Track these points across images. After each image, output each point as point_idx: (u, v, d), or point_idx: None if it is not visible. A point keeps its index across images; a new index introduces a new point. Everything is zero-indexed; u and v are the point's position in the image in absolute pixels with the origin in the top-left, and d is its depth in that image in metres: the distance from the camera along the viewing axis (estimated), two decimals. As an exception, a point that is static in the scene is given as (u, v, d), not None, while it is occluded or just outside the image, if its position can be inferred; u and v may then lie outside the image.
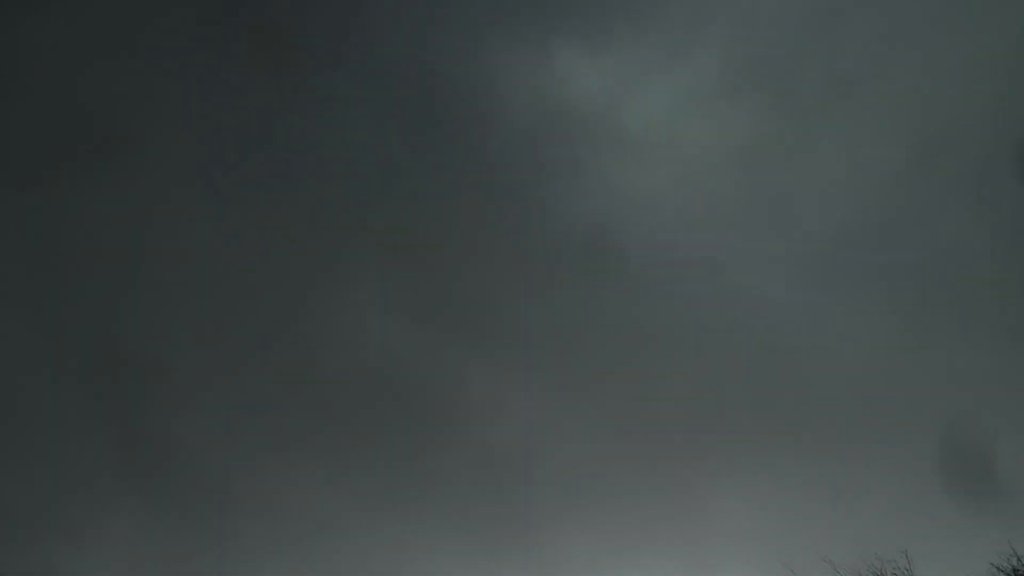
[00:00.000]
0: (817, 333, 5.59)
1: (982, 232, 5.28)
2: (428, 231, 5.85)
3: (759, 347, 5.69)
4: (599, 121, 6.38)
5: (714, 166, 6.08)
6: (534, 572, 5.29)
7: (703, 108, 6.09)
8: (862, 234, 5.79)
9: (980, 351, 4.90)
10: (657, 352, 5.72)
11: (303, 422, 5.64)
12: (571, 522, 5.40)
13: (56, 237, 5.50)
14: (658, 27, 6.29)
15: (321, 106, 5.46)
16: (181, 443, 5.55)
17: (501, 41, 6.02)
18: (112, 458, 5.45)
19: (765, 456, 5.31)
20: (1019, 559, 3.54)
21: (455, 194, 6.07)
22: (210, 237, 5.42)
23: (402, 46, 5.70)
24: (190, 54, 5.04)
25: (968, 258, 5.48)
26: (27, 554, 4.96)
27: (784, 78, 5.96)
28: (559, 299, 5.95)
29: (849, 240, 5.83)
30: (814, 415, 5.40)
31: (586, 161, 6.40)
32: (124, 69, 4.89)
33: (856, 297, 5.65)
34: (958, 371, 4.89)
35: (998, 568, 3.54)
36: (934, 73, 5.53)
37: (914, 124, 5.71)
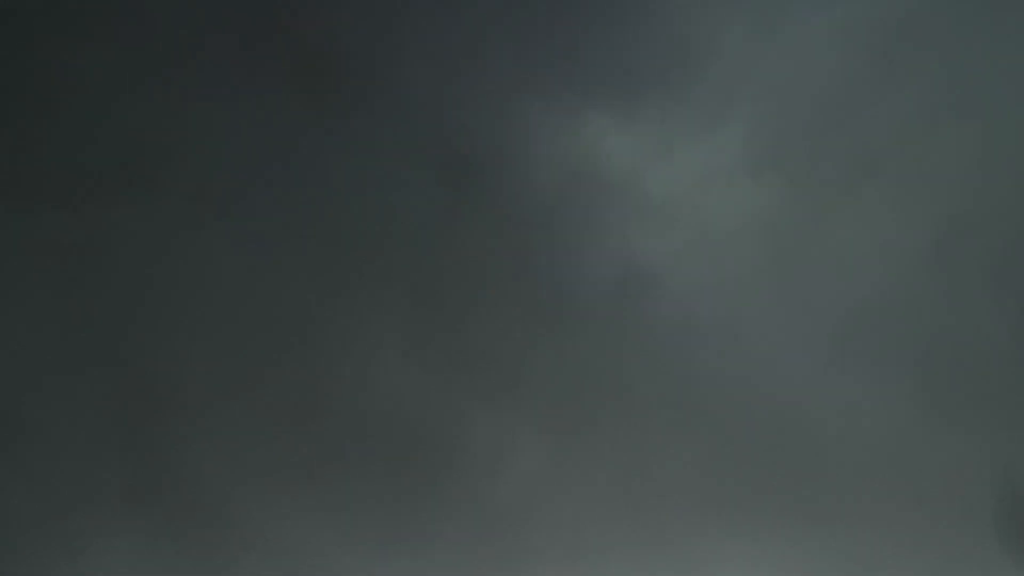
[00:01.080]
0: (832, 409, 5.50)
1: (1005, 316, 5.23)
2: (448, 280, 5.96)
3: (773, 419, 5.60)
4: (624, 187, 6.49)
5: (736, 237, 6.09)
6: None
7: (727, 180, 6.15)
8: (882, 313, 5.75)
9: (996, 436, 4.80)
10: (670, 416, 5.66)
11: (308, 457, 5.66)
12: (569, 581, 5.29)
13: (66, 259, 5.70)
14: (687, 100, 6.45)
15: (349, 145, 5.66)
16: (186, 469, 5.59)
17: (535, 102, 6.22)
18: (116, 479, 5.49)
19: (773, 529, 5.18)
20: None
21: (477, 246, 6.19)
22: (225, 265, 5.57)
23: (436, 96, 5.91)
24: (224, 79, 5.28)
25: (989, 342, 5.41)
26: (24, 567, 4.99)
27: (808, 154, 6.02)
28: (574, 356, 5.95)
29: (868, 319, 5.78)
30: (826, 492, 5.27)
31: (610, 225, 6.49)
32: (157, 92, 5.15)
33: (873, 376, 5.57)
34: (975, 454, 4.80)
35: None
36: (959, 156, 5.57)
37: (938, 206, 5.72)
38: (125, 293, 5.56)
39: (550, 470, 6.21)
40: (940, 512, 3.75)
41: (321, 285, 6.01)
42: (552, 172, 6.57)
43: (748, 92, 6.48)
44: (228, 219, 5.88)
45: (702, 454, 5.50)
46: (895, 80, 5.76)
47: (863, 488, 5.08)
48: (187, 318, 5.65)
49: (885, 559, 4.19)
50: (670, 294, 5.95)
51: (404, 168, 6.19)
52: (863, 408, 5.20)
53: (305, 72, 5.69)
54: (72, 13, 4.92)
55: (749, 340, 5.82)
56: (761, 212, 6.01)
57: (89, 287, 5.53)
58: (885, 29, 5.54)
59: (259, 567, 5.45)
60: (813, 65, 5.99)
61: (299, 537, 5.47)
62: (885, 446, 5.01)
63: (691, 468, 5.51)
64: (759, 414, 5.44)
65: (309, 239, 6.07)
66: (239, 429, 5.57)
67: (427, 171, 6.51)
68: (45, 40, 5.19)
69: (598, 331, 6.52)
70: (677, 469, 5.54)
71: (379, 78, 5.96)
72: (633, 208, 6.46)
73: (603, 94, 6.74)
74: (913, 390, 5.07)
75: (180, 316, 5.69)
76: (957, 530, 3.99)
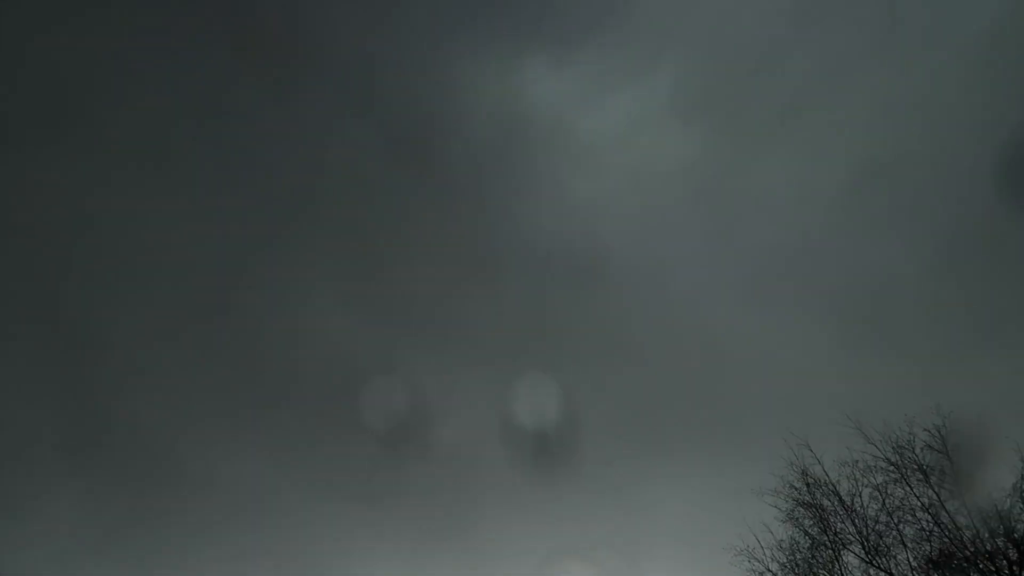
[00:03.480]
0: (753, 341, 5.87)
1: (915, 253, 5.63)
2: (387, 231, 5.99)
3: (698, 352, 5.96)
4: (557, 133, 6.66)
5: (663, 179, 6.38)
6: (476, 565, 5.38)
7: (656, 125, 6.41)
8: (800, 252, 6.13)
9: (903, 366, 5.21)
10: (601, 352, 5.95)
11: (249, 402, 5.68)
12: (515, 516, 5.54)
13: (9, 218, 5.49)
14: (618, 46, 6.62)
15: (280, 99, 5.60)
16: (124, 418, 5.54)
17: (465, 51, 6.27)
18: (53, 433, 5.40)
19: (700, 454, 5.56)
20: None
21: (417, 196, 6.24)
22: (160, 214, 5.48)
23: (362, 50, 5.90)
24: (157, 27, 5.16)
25: (900, 278, 5.83)
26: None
27: (732, 101, 6.31)
28: (509, 299, 6.14)
29: (787, 257, 6.16)
30: (746, 417, 5.66)
31: (544, 169, 6.66)
32: (88, 38, 4.98)
33: (791, 310, 5.96)
34: (879, 381, 5.19)
35: None
36: (874, 101, 5.93)
37: (854, 150, 6.09)
38: (54, 243, 5.32)
39: (490, 407, 6.27)
40: (847, 435, 3.99)
41: (255, 234, 5.85)
42: (485, 121, 6.51)
43: (677, 39, 6.50)
44: (160, 168, 5.64)
45: (631, 387, 5.74)
46: (816, 29, 5.90)
47: (775, 410, 5.37)
48: (122, 266, 5.48)
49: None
50: (601, 234, 6.07)
51: (336, 121, 6.04)
52: (781, 340, 5.51)
53: (237, 28, 5.47)
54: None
55: (676, 279, 6.03)
56: (688, 154, 6.17)
57: (18, 237, 5.26)
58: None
59: (201, 509, 5.40)
60: (739, 13, 6.08)
61: (239, 478, 5.43)
62: (796, 374, 5.34)
63: (622, 399, 5.74)
64: (685, 348, 5.69)
65: (243, 190, 5.89)
66: (177, 377, 5.47)
67: (359, 125, 6.36)
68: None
69: (532, 276, 6.55)
70: (609, 402, 5.76)
71: (304, 32, 5.77)
72: (566, 152, 6.48)
73: (535, 42, 6.64)
74: (828, 323, 5.40)
75: (114, 265, 5.50)
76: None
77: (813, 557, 3.81)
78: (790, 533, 3.96)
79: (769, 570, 3.91)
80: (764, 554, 3.95)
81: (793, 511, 3.90)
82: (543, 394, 6.07)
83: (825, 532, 3.80)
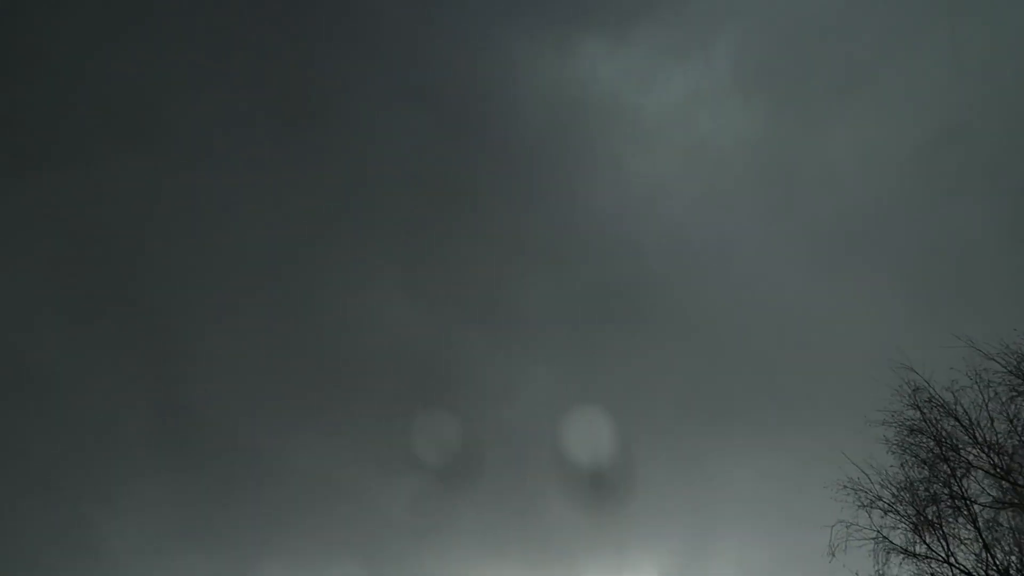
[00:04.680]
0: (824, 316, 5.72)
1: (992, 214, 5.40)
2: (447, 218, 6.07)
3: (768, 327, 5.84)
4: (616, 113, 6.63)
5: (726, 156, 6.28)
6: (545, 547, 5.42)
7: (717, 101, 6.31)
8: (869, 222, 5.95)
9: (984, 332, 4.99)
10: (670, 332, 5.89)
11: (324, 395, 5.86)
12: (583, 493, 5.56)
13: (84, 220, 5.81)
14: (674, 23, 6.54)
15: (346, 92, 5.75)
16: (209, 414, 5.79)
17: (523, 34, 6.30)
18: (144, 427, 5.69)
19: (770, 429, 5.47)
20: None
21: (475, 182, 6.30)
22: (238, 218, 5.70)
23: (424, 39, 6.00)
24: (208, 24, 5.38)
25: (977, 241, 5.59)
26: (66, 514, 5.20)
27: (795, 73, 6.16)
28: (573, 282, 6.14)
29: (856, 227, 5.98)
30: (818, 391, 5.53)
31: (603, 151, 6.63)
32: (141, 52, 5.26)
33: (862, 282, 5.78)
34: (959, 350, 5.00)
35: None
36: (942, 67, 5.71)
37: (923, 116, 5.87)
38: (127, 242, 5.57)
39: (556, 392, 6.29)
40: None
41: (330, 235, 6.00)
42: (543, 102, 6.52)
43: (734, 11, 6.40)
44: (222, 164, 5.84)
45: (700, 364, 5.67)
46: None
47: (847, 385, 5.22)
48: (203, 273, 5.70)
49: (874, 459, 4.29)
50: (664, 215, 6.03)
51: (387, 110, 6.14)
52: (853, 312, 5.35)
53: (294, 10, 5.61)
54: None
55: (741, 254, 5.93)
56: (750, 129, 6.06)
57: (92, 240, 5.54)
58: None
59: (283, 495, 5.57)
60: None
61: (319, 466, 5.58)
62: (870, 348, 5.17)
63: (690, 377, 5.68)
64: (753, 324, 5.59)
65: (317, 190, 6.04)
66: (258, 375, 5.66)
67: (411, 112, 6.45)
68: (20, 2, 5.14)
69: (596, 257, 6.54)
70: (677, 380, 5.71)
71: (356, 17, 5.89)
72: (625, 133, 6.45)
73: (591, 21, 6.62)
74: (902, 291, 5.22)
75: (197, 271, 5.73)
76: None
77: (933, 476, 3.58)
78: (901, 462, 3.71)
79: (880, 498, 3.68)
80: (873, 481, 3.71)
81: (903, 441, 3.68)
82: (610, 381, 6.09)
83: (944, 458, 3.56)
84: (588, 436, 5.64)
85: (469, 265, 6.46)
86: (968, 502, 3.55)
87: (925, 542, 3.61)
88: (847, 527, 3.71)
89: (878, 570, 3.70)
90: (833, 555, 3.70)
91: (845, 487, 3.74)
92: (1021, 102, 5.45)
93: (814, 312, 5.86)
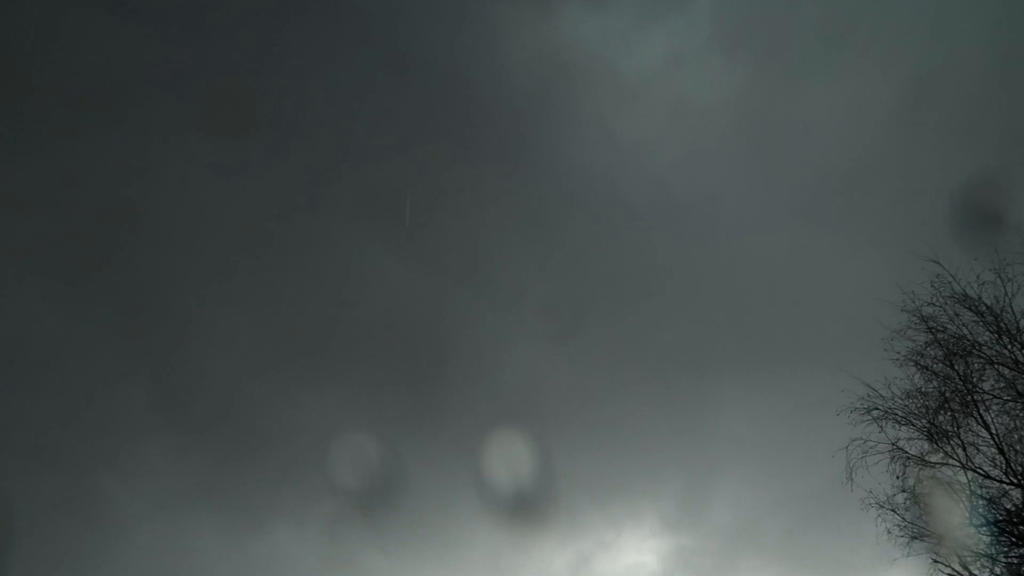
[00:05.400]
0: (810, 266, 5.84)
1: (976, 163, 5.49)
2: (429, 182, 6.15)
3: (755, 279, 5.97)
4: (599, 74, 6.70)
5: (710, 113, 6.37)
6: (543, 496, 5.55)
7: (698, 58, 6.39)
8: (854, 173, 6.05)
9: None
10: (659, 286, 6.02)
11: (322, 357, 5.97)
12: (580, 446, 5.71)
13: (78, 189, 5.89)
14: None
15: (329, 61, 5.82)
16: (208, 378, 5.89)
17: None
18: (146, 393, 5.79)
19: (762, 377, 5.62)
20: None
21: (461, 146, 6.38)
22: (232, 184, 5.77)
23: (403, 4, 6.07)
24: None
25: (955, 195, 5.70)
26: (77, 482, 5.32)
27: (775, 28, 6.23)
28: (562, 243, 6.25)
29: (840, 179, 6.09)
30: (806, 338, 5.66)
31: (586, 111, 6.72)
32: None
33: (846, 231, 5.90)
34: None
35: None
36: (924, 17, 5.78)
37: (905, 68, 5.96)
38: (122, 210, 5.64)
39: (552, 351, 6.42)
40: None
41: (312, 192, 6.07)
42: (525, 65, 6.58)
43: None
44: (210, 137, 5.88)
45: (694, 317, 5.79)
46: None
47: (833, 331, 5.35)
48: (188, 229, 5.77)
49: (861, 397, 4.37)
50: (649, 173, 6.12)
51: (368, 78, 6.19)
52: (838, 261, 5.47)
53: None
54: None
55: (727, 209, 6.03)
56: (732, 86, 6.14)
57: (88, 209, 5.61)
58: None
59: (281, 455, 5.68)
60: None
61: (319, 427, 5.68)
62: (855, 297, 5.28)
63: (683, 331, 5.80)
64: (740, 276, 5.71)
65: (297, 149, 6.09)
66: (248, 333, 5.76)
67: (392, 81, 6.50)
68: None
69: (584, 217, 6.64)
70: (673, 334, 5.83)
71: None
72: (608, 93, 6.52)
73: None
74: (886, 241, 5.32)
75: (182, 228, 5.80)
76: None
77: (945, 383, 3.52)
78: (911, 374, 3.63)
79: (893, 410, 3.64)
80: (883, 395, 3.64)
81: (915, 351, 3.58)
82: (601, 336, 6.20)
83: (964, 353, 3.48)
84: (581, 394, 5.80)
85: (455, 231, 6.56)
86: (983, 403, 3.50)
87: (943, 450, 3.58)
88: (863, 443, 3.64)
89: (895, 484, 3.65)
90: (851, 478, 3.65)
91: (855, 409, 3.66)
92: (1003, 50, 5.53)
93: (800, 262, 6.00)
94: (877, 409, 3.66)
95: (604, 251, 6.38)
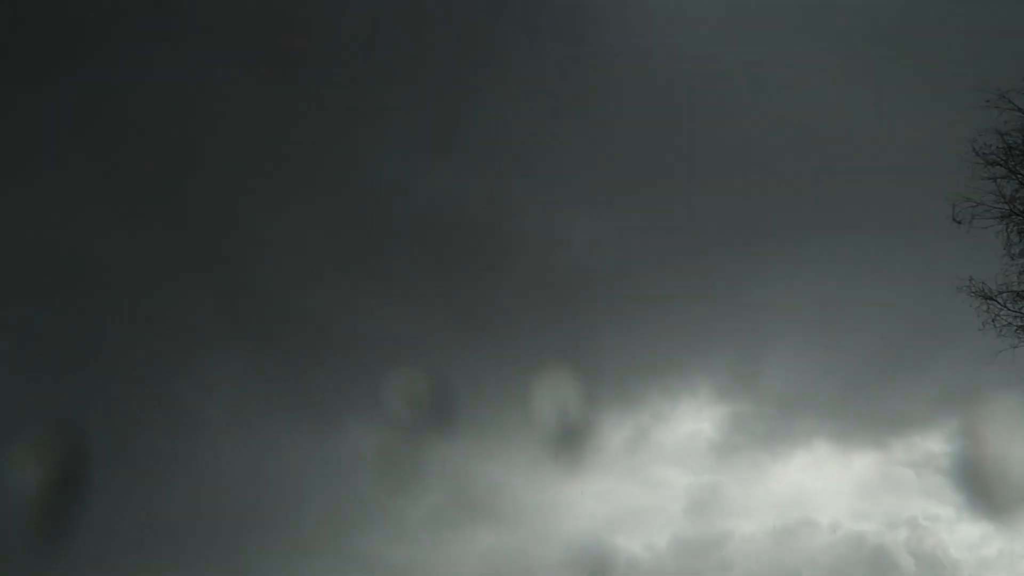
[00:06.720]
0: (857, 125, 5.65)
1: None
2: (469, 84, 6.06)
3: (806, 145, 5.81)
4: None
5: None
6: (593, 376, 5.69)
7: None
8: (908, 16, 5.74)
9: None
10: (703, 157, 5.92)
11: (380, 260, 6.12)
12: (627, 324, 5.81)
13: (138, 113, 6.01)
14: None
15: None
16: (270, 287, 6.13)
17: None
18: (213, 306, 6.06)
19: (807, 245, 5.58)
20: None
21: (499, 39, 6.24)
22: (278, 103, 5.82)
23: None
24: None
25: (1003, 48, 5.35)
26: (161, 395, 5.66)
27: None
28: (603, 122, 6.14)
29: (894, 26, 5.78)
30: (859, 199, 5.56)
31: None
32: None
33: (899, 84, 5.65)
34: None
35: None
36: None
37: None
38: (180, 130, 5.75)
39: (601, 237, 6.43)
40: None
41: (354, 98, 6.05)
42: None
43: None
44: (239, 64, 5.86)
45: (737, 186, 5.71)
46: None
47: (881, 194, 5.20)
48: (241, 146, 5.86)
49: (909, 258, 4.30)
50: (691, 45, 5.90)
51: None
52: (889, 118, 5.26)
53: None
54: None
55: (774, 74, 5.82)
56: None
57: (146, 134, 5.73)
58: None
59: (349, 358, 5.91)
60: None
61: (379, 328, 5.88)
62: (903, 153, 5.08)
63: (728, 200, 5.73)
64: (791, 143, 5.56)
65: (342, 56, 6.04)
66: (303, 240, 5.91)
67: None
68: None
69: (628, 98, 6.48)
70: (718, 209, 5.77)
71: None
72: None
73: None
74: (947, 89, 5.05)
75: (235, 145, 5.89)
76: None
77: None
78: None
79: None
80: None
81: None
82: (651, 219, 6.17)
83: None
84: (628, 270, 5.83)
85: (505, 121, 6.49)
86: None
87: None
88: (974, 205, 3.32)
89: (1007, 249, 3.35)
90: (959, 221, 3.35)
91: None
92: None
93: (848, 122, 5.79)
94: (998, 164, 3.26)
95: (646, 133, 6.26)
